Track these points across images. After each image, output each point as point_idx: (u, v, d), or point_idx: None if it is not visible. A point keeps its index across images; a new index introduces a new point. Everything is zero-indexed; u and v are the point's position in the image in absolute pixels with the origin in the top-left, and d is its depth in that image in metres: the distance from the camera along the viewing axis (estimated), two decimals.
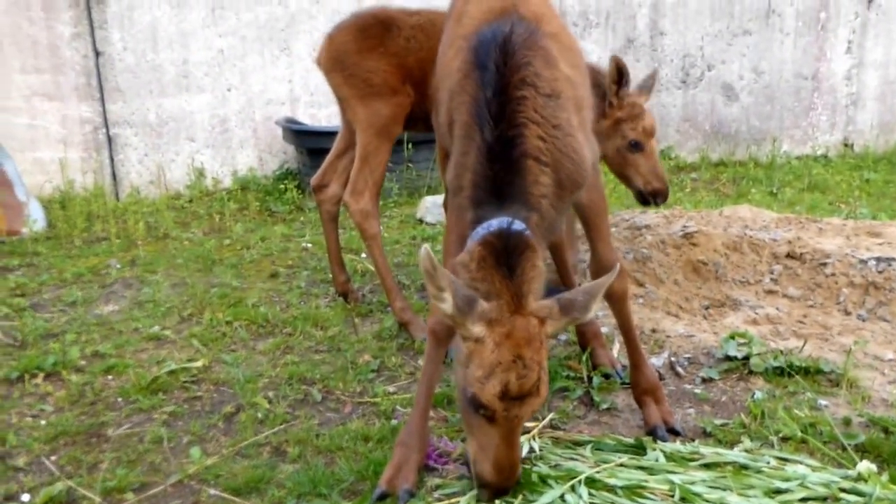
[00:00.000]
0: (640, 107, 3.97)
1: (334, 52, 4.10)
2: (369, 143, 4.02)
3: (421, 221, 6.24)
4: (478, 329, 2.22)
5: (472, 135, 2.44)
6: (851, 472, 2.55)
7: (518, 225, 2.31)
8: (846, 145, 9.54)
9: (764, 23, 8.82)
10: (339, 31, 4.14)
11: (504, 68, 2.43)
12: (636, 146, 3.95)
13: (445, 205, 3.81)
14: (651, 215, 5.05)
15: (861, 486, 2.45)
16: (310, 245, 5.61)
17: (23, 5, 6.55)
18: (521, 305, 2.26)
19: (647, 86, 4.10)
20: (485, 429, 2.27)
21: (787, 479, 2.50)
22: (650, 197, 4.01)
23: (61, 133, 6.77)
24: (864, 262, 4.26)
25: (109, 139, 6.88)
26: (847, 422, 3.04)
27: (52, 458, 2.90)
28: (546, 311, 2.29)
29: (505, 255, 2.26)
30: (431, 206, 6.26)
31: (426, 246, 2.15)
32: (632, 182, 4.03)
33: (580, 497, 2.39)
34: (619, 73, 3.88)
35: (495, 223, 2.31)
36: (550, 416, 3.02)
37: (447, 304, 2.20)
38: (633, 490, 2.45)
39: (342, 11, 7.26)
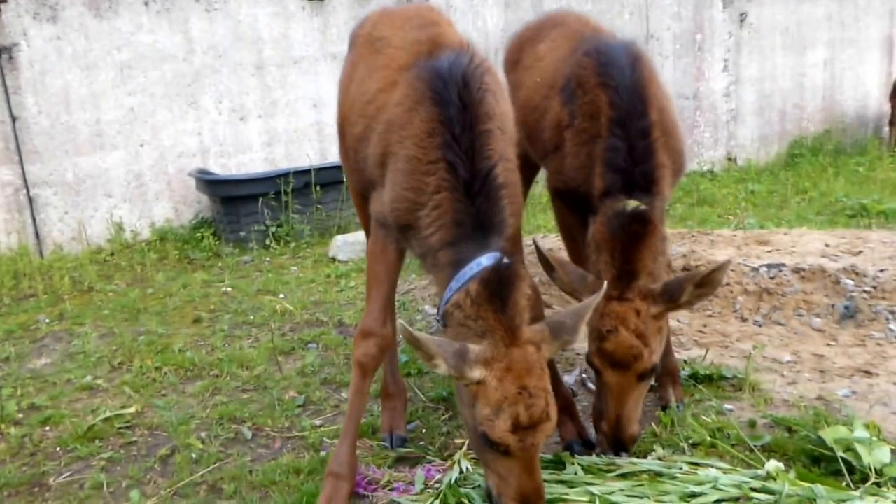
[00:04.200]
0: (613, 318, 2.66)
1: None
2: None
3: (334, 260, 6.53)
4: (477, 373, 2.21)
5: (437, 171, 2.40)
6: (761, 472, 2.64)
7: (506, 258, 2.33)
8: (730, 159, 10.13)
9: (643, 47, 9.36)
10: None
11: (469, 102, 2.42)
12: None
13: None
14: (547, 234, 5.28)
15: (771, 485, 2.54)
16: (230, 289, 5.78)
17: None
18: (516, 337, 2.25)
19: (671, 293, 2.68)
20: (503, 461, 2.25)
21: (700, 483, 2.57)
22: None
23: None
24: (755, 269, 4.43)
25: (30, 199, 6.98)
26: (752, 424, 3.14)
27: None
28: (539, 337, 2.30)
29: (498, 290, 2.27)
30: (342, 245, 6.58)
31: (401, 321, 2.20)
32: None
33: None
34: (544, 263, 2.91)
35: (485, 261, 2.32)
36: None
37: (441, 369, 2.21)
38: (555, 503, 2.53)
39: (245, 64, 7.63)
